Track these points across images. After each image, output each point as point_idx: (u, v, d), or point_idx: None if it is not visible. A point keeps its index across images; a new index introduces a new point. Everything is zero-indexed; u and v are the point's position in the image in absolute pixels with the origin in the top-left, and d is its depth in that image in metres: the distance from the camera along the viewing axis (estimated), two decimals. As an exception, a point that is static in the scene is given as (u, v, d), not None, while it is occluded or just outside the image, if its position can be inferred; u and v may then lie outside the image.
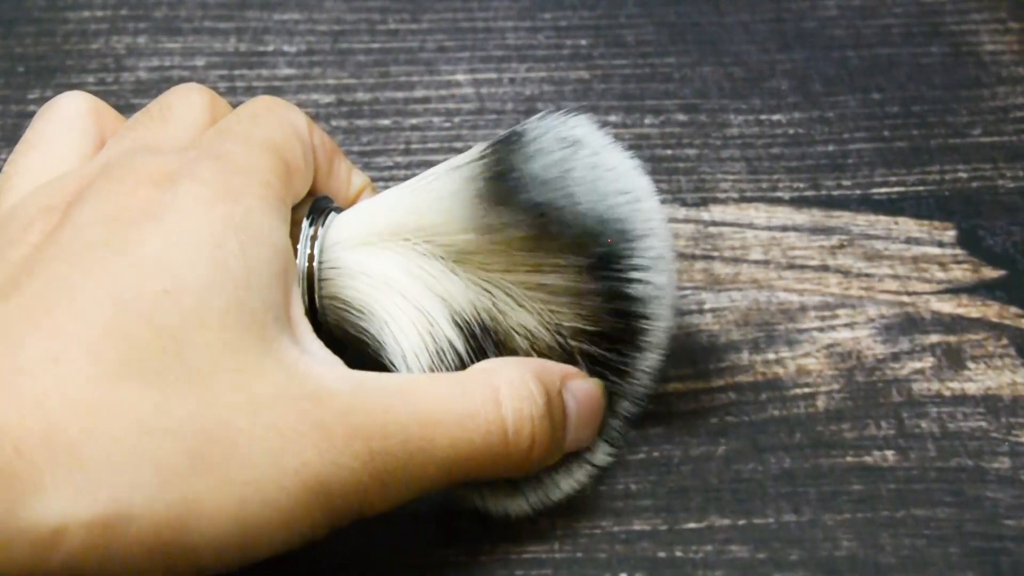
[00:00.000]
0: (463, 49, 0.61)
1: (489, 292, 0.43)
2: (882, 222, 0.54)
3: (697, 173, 0.56)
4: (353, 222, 0.44)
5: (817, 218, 0.54)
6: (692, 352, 0.49)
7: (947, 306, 0.51)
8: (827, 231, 0.53)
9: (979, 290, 0.51)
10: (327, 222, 0.44)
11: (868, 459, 0.46)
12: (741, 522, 0.44)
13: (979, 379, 0.48)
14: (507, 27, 0.62)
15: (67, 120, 0.45)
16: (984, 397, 0.48)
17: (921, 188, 0.55)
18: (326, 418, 0.38)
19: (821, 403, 0.48)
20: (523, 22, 0.62)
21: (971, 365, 0.49)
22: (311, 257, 0.43)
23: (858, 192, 0.55)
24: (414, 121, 0.58)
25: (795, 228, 0.54)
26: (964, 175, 0.56)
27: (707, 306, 0.51)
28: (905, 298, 0.51)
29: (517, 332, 0.43)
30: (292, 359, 0.39)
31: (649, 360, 0.44)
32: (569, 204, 0.42)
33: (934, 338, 0.50)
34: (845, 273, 0.52)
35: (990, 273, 0.52)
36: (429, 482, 0.40)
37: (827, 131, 0.58)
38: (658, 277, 0.43)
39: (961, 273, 0.52)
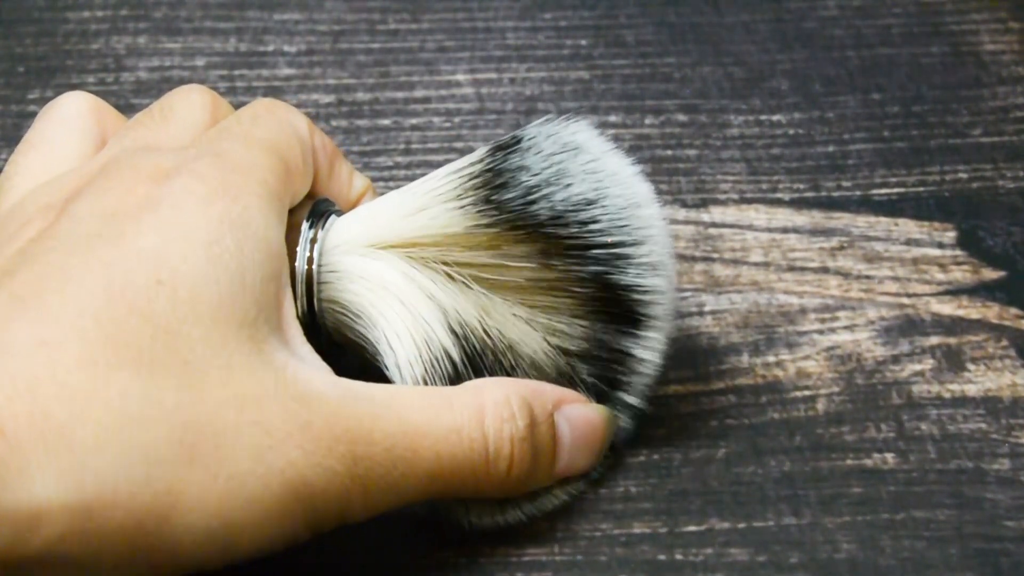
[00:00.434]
0: (463, 49, 0.61)
1: (486, 302, 0.43)
2: (882, 223, 0.54)
3: (697, 174, 0.56)
4: (353, 226, 0.44)
5: (817, 220, 0.54)
6: (692, 354, 0.49)
7: (947, 308, 0.51)
8: (827, 233, 0.53)
9: (979, 291, 0.51)
10: (327, 225, 0.44)
11: (868, 461, 0.46)
12: (741, 525, 0.44)
13: (979, 381, 0.48)
14: (507, 27, 0.62)
15: (68, 120, 0.45)
16: (984, 399, 0.48)
17: (921, 189, 0.55)
18: (313, 420, 0.38)
19: (821, 406, 0.48)
20: (523, 22, 0.62)
21: (971, 367, 0.49)
22: (310, 260, 0.43)
23: (858, 193, 0.55)
24: (414, 121, 0.58)
25: (795, 230, 0.54)
26: (964, 176, 0.56)
27: (707, 308, 0.51)
28: (905, 300, 0.51)
29: (512, 345, 0.43)
30: (281, 361, 0.39)
31: (647, 368, 0.44)
32: (568, 211, 0.42)
33: (934, 340, 0.50)
34: (845, 275, 0.52)
35: (990, 274, 0.52)
36: (411, 492, 0.40)
37: (827, 131, 0.58)
38: (658, 282, 0.43)
39: (961, 274, 0.52)
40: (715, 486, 0.45)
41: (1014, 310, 0.51)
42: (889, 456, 0.46)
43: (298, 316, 0.43)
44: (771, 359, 0.49)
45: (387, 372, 0.43)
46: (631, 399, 0.44)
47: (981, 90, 0.59)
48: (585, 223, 0.42)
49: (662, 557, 0.43)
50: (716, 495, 0.45)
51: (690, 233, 0.53)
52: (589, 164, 0.43)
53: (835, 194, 0.55)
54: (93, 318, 0.37)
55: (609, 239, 0.42)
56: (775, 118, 0.58)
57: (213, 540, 0.37)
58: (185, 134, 0.44)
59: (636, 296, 0.43)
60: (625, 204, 0.43)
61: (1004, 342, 0.50)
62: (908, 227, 0.54)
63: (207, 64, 0.60)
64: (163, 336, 0.37)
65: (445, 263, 0.43)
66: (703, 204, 0.55)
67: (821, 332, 0.50)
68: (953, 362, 0.49)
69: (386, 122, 0.58)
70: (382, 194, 0.46)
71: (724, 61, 0.61)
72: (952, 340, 0.50)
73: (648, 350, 0.43)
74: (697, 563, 0.43)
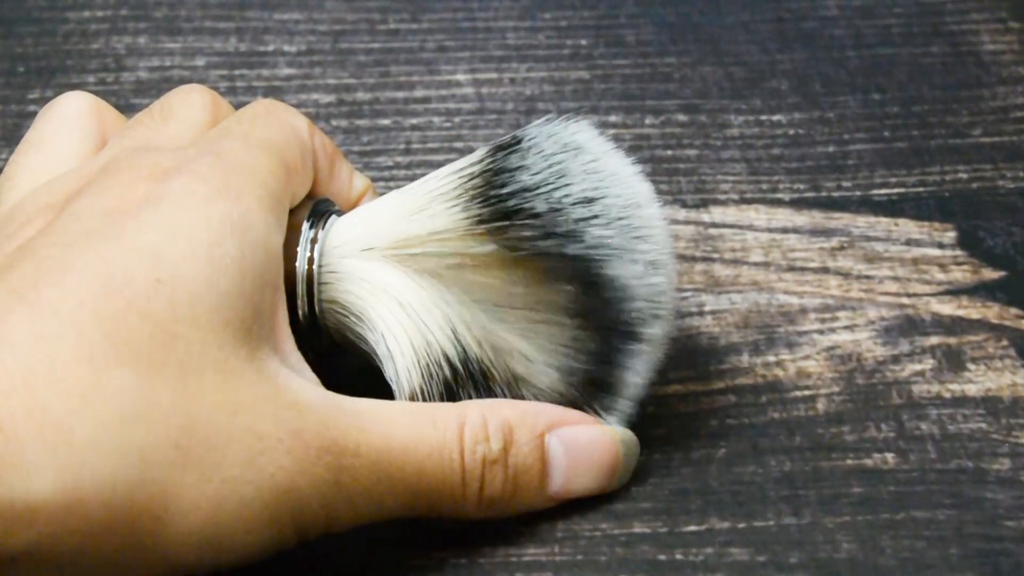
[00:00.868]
0: (463, 49, 0.61)
1: (482, 315, 0.43)
2: (882, 223, 0.54)
3: (697, 174, 0.56)
4: (353, 226, 0.44)
5: (817, 220, 0.54)
6: (692, 354, 0.49)
7: (947, 308, 0.51)
8: (827, 233, 0.53)
9: (979, 291, 0.52)
10: (327, 225, 0.44)
11: (868, 461, 0.46)
12: (741, 525, 0.44)
13: (979, 380, 0.48)
14: (507, 27, 0.62)
15: (68, 120, 0.45)
16: (984, 398, 0.48)
17: (921, 189, 0.55)
18: (303, 428, 0.39)
19: (821, 405, 0.48)
20: (523, 22, 0.62)
21: (971, 367, 0.49)
22: (311, 260, 0.43)
23: (858, 193, 0.55)
24: (414, 121, 0.58)
25: (795, 230, 0.54)
26: (964, 176, 0.56)
27: (707, 308, 0.51)
28: (905, 300, 0.51)
29: (504, 358, 0.43)
30: (273, 369, 0.39)
31: (645, 367, 0.44)
32: (567, 209, 0.42)
33: (934, 340, 0.50)
34: (845, 275, 0.52)
35: (990, 274, 0.52)
36: (394, 507, 0.40)
37: (827, 132, 0.58)
38: (658, 280, 0.43)
39: (961, 274, 0.52)
40: (715, 486, 0.45)
41: (1014, 310, 0.51)
42: (889, 456, 0.46)
43: (299, 316, 0.43)
44: (771, 359, 0.49)
45: (385, 374, 0.43)
46: (623, 402, 0.44)
47: (981, 90, 0.59)
48: (584, 219, 0.42)
49: (662, 557, 0.43)
50: (716, 495, 0.45)
51: (690, 233, 0.53)
52: (590, 164, 0.43)
53: (835, 194, 0.55)
54: (91, 314, 0.37)
55: (609, 237, 0.42)
56: (775, 118, 0.58)
57: (204, 544, 0.37)
58: (185, 134, 0.44)
59: (636, 294, 0.43)
60: (625, 203, 0.43)
61: (1004, 342, 0.50)
62: (908, 227, 0.54)
63: (207, 64, 0.60)
64: (160, 336, 0.37)
65: (442, 270, 0.42)
66: (703, 204, 0.55)
67: (821, 332, 0.50)
68: (953, 362, 0.49)
69: (386, 122, 0.58)
70: (382, 194, 0.46)
71: (724, 61, 0.61)
72: (952, 340, 0.50)
73: (646, 352, 0.43)
74: (697, 563, 0.43)
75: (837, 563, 0.43)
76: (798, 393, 0.48)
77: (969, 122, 0.58)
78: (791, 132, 0.58)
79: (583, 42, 0.62)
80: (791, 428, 0.47)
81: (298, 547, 0.40)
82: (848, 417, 0.47)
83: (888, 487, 0.45)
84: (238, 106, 0.57)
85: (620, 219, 0.42)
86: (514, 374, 0.43)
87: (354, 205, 0.47)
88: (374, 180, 0.55)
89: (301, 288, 0.43)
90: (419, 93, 0.59)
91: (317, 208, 0.44)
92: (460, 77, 0.60)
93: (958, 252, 0.53)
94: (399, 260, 0.43)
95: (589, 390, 0.43)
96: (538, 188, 0.42)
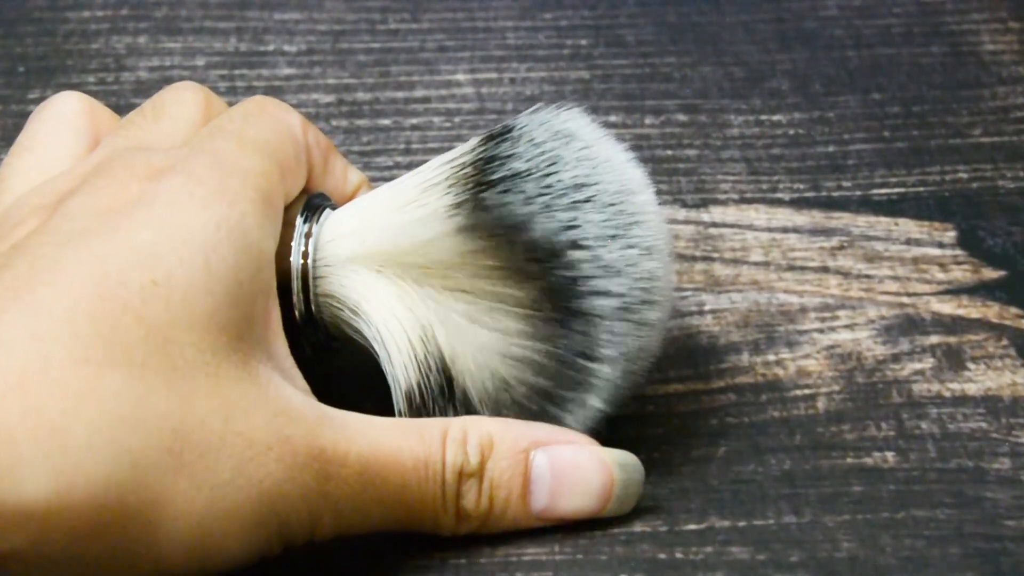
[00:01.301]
0: (463, 49, 0.61)
1: (466, 302, 0.42)
2: (882, 223, 0.54)
3: (697, 174, 0.56)
4: (348, 219, 0.44)
5: (817, 219, 0.54)
6: (692, 353, 0.49)
7: (947, 307, 0.51)
8: (827, 232, 0.53)
9: (979, 291, 0.52)
10: (321, 219, 0.44)
11: (868, 460, 0.46)
12: (741, 523, 0.44)
13: (979, 380, 0.48)
14: (507, 27, 0.62)
15: (61, 121, 0.45)
16: (984, 398, 0.48)
17: (921, 189, 0.55)
18: (293, 436, 0.38)
19: (821, 404, 0.48)
20: (523, 22, 0.62)
21: (971, 366, 0.49)
22: (305, 255, 0.43)
23: (858, 193, 0.55)
24: (414, 121, 0.58)
25: (795, 229, 0.54)
26: (964, 176, 0.56)
27: (707, 307, 0.51)
28: (905, 299, 0.51)
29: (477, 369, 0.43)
30: (265, 376, 0.39)
31: (638, 358, 0.43)
32: (559, 194, 0.42)
33: (934, 339, 0.50)
34: (845, 274, 0.52)
35: (990, 274, 0.52)
36: (380, 518, 0.40)
37: (827, 131, 0.58)
38: (652, 264, 0.42)
39: (961, 274, 0.52)
40: (715, 484, 0.45)
41: (1014, 309, 0.51)
42: (889, 455, 0.46)
43: (295, 311, 0.43)
44: (771, 358, 0.49)
45: (383, 368, 0.43)
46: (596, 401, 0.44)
47: (981, 90, 0.59)
48: (577, 204, 0.42)
49: (662, 555, 0.43)
50: (716, 493, 0.45)
51: (690, 233, 0.53)
52: (582, 151, 0.43)
53: (835, 194, 0.55)
54: (86, 314, 0.36)
55: (602, 221, 0.42)
56: (775, 118, 0.58)
57: (194, 549, 0.37)
58: (178, 133, 0.44)
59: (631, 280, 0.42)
60: (618, 190, 0.42)
61: (1004, 341, 0.50)
62: (908, 227, 0.54)
63: (207, 64, 0.60)
64: (155, 338, 0.37)
65: (431, 261, 0.42)
66: (703, 204, 0.55)
67: (821, 331, 0.50)
68: (953, 361, 0.49)
69: (386, 122, 0.58)
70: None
71: (724, 61, 0.61)
72: (952, 339, 0.50)
73: (644, 336, 0.43)
74: (697, 561, 0.43)
75: (837, 562, 0.43)
76: (798, 392, 0.48)
77: (969, 122, 0.58)
78: (791, 132, 0.58)
79: (583, 42, 0.62)
80: (791, 427, 0.47)
81: (300, 549, 0.40)
82: (848, 416, 0.47)
83: (888, 486, 0.45)
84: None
85: (612, 205, 0.42)
86: (497, 369, 0.43)
87: (349, 199, 0.47)
88: (374, 180, 0.55)
89: (296, 283, 0.43)
90: (419, 93, 0.59)
91: (311, 202, 0.44)
92: (460, 77, 0.60)
93: (958, 252, 0.53)
94: (393, 256, 0.43)
95: (576, 377, 0.43)
96: (529, 173, 0.42)
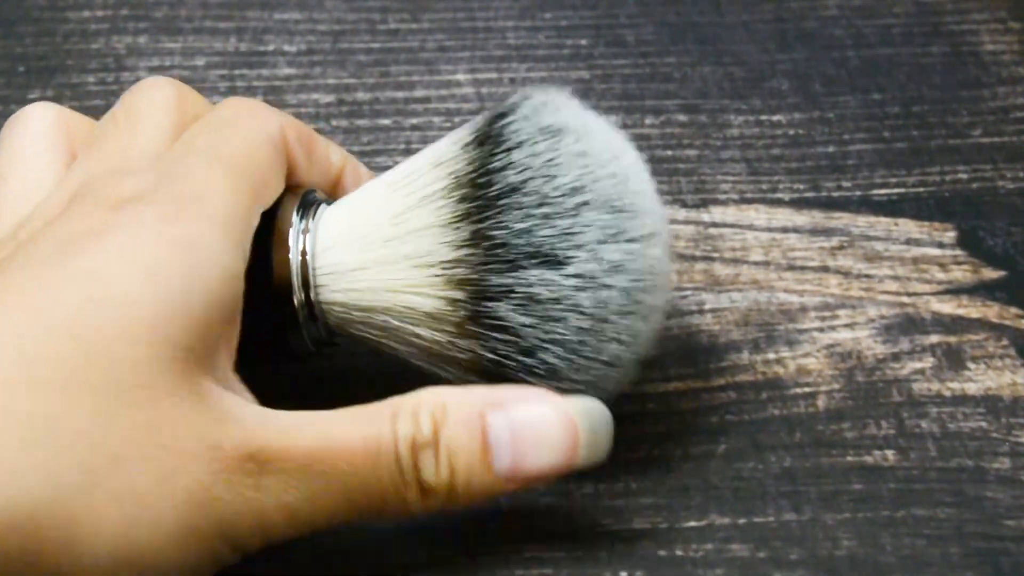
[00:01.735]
0: (463, 49, 0.61)
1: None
2: (882, 223, 0.54)
3: (697, 174, 0.56)
4: (342, 219, 0.44)
5: (817, 219, 0.54)
6: (692, 352, 0.49)
7: (947, 307, 0.51)
8: (827, 232, 0.53)
9: (979, 291, 0.52)
10: (317, 215, 0.44)
11: (868, 459, 0.46)
12: (741, 521, 0.44)
13: (979, 379, 0.48)
14: (507, 27, 0.62)
15: (35, 140, 0.44)
16: (984, 397, 0.48)
17: (921, 189, 0.55)
18: (224, 441, 0.38)
19: (821, 403, 0.48)
20: (523, 22, 0.62)
21: (971, 365, 0.49)
22: (304, 252, 0.43)
23: (858, 193, 0.55)
24: (414, 121, 0.58)
25: (795, 229, 0.54)
26: (964, 176, 0.56)
27: (707, 307, 0.51)
28: (905, 299, 0.51)
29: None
30: (206, 388, 0.39)
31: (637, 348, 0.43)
32: (556, 200, 0.42)
33: (934, 338, 0.50)
34: (845, 274, 0.52)
35: (990, 274, 0.52)
36: (334, 508, 0.40)
37: (827, 132, 0.58)
38: (654, 251, 0.42)
39: (961, 274, 0.52)
40: (715, 482, 0.45)
41: (1014, 309, 0.51)
42: (889, 453, 0.46)
43: (296, 306, 0.43)
44: (771, 356, 0.49)
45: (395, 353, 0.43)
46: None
47: (981, 90, 0.59)
48: (576, 208, 0.42)
49: (662, 553, 0.43)
50: (716, 491, 0.45)
51: (690, 233, 0.53)
52: (575, 146, 0.42)
53: (835, 194, 0.55)
54: (14, 336, 0.37)
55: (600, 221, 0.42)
56: (775, 118, 0.58)
57: (121, 565, 0.37)
58: (150, 145, 0.43)
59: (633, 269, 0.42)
60: (614, 188, 0.42)
61: (1004, 341, 0.50)
62: (908, 227, 0.54)
63: (207, 64, 0.60)
64: (85, 354, 0.37)
65: (429, 264, 0.42)
66: (703, 204, 0.55)
67: (821, 330, 0.50)
68: (953, 361, 0.49)
69: (386, 122, 0.58)
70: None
71: (724, 61, 0.61)
72: (952, 339, 0.50)
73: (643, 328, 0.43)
74: (697, 559, 0.43)
75: (837, 560, 0.43)
76: (798, 390, 0.48)
77: (969, 122, 0.58)
78: (791, 132, 0.58)
79: (583, 42, 0.62)
80: (791, 425, 0.47)
81: (297, 544, 0.40)
82: (848, 414, 0.47)
83: (888, 484, 0.45)
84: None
85: (611, 205, 0.42)
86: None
87: (336, 180, 0.46)
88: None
89: (296, 280, 0.43)
90: (419, 93, 0.59)
91: (306, 199, 0.44)
92: (460, 77, 0.60)
93: (958, 252, 0.53)
94: (389, 258, 0.43)
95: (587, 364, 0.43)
96: (525, 184, 0.42)
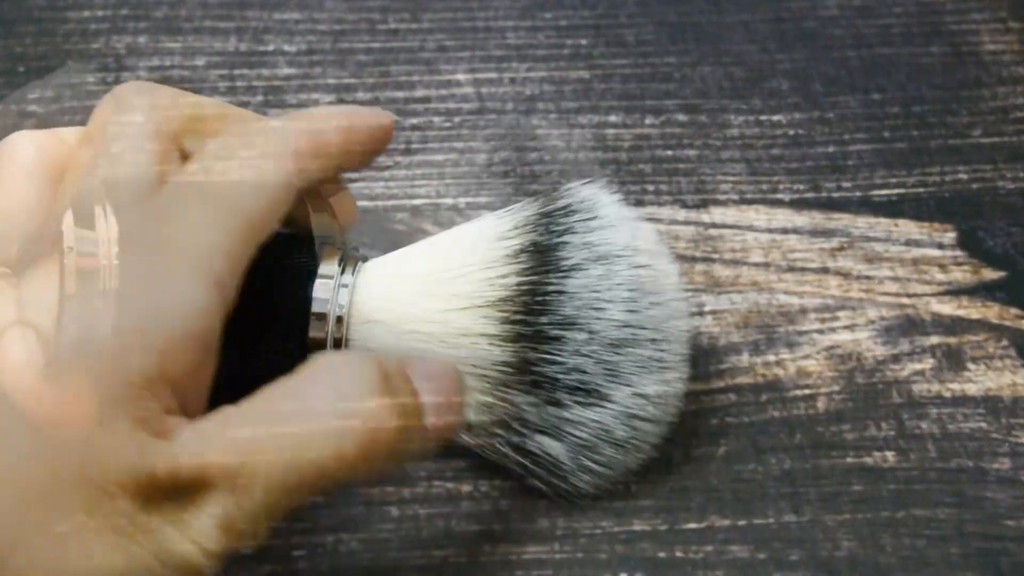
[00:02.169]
0: (463, 49, 0.61)
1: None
2: (882, 224, 0.54)
3: (697, 174, 0.56)
4: (385, 289, 0.44)
5: (817, 220, 0.54)
6: (692, 354, 0.49)
7: (947, 308, 0.51)
8: (827, 233, 0.53)
9: (979, 291, 0.52)
10: (356, 270, 0.44)
11: (868, 460, 0.46)
12: (741, 522, 0.44)
13: (979, 380, 0.48)
14: (507, 26, 0.62)
15: (17, 173, 0.43)
16: (984, 398, 0.48)
17: (921, 190, 0.55)
18: (157, 463, 0.38)
19: (821, 404, 0.48)
20: (523, 21, 0.62)
21: (971, 366, 0.49)
22: (341, 307, 0.43)
23: (858, 194, 0.55)
24: (414, 121, 0.58)
25: (795, 230, 0.54)
26: (964, 176, 0.56)
27: (707, 308, 0.51)
28: (905, 300, 0.51)
29: None
30: (149, 415, 0.39)
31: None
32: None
33: (934, 339, 0.50)
34: (845, 275, 0.52)
35: (990, 274, 0.52)
36: (288, 486, 0.39)
37: (827, 132, 0.58)
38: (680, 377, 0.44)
39: (961, 275, 0.52)
40: (715, 483, 0.45)
41: (1014, 310, 0.51)
42: (889, 454, 0.46)
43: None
44: (771, 358, 0.49)
45: None
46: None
47: (981, 90, 0.59)
48: (621, 344, 0.43)
49: (662, 554, 0.43)
50: (716, 492, 0.45)
51: (690, 233, 0.53)
52: (625, 273, 0.43)
53: (835, 195, 0.55)
54: None
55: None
56: (775, 118, 0.58)
57: None
58: (135, 172, 0.42)
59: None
60: (658, 311, 0.43)
61: (1004, 342, 0.50)
62: (908, 228, 0.54)
63: (207, 64, 0.60)
64: (35, 398, 0.38)
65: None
66: (703, 204, 0.55)
67: (821, 332, 0.50)
68: (953, 361, 0.49)
69: (386, 122, 0.58)
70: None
71: (724, 61, 0.61)
72: (952, 340, 0.50)
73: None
74: (697, 560, 0.43)
75: (837, 561, 0.43)
76: (798, 392, 0.48)
77: (969, 122, 0.58)
78: (791, 132, 0.58)
79: (583, 42, 0.62)
80: (791, 426, 0.47)
81: (297, 548, 0.40)
82: (848, 416, 0.47)
83: (888, 485, 0.45)
84: (239, 105, 0.57)
85: (653, 342, 0.43)
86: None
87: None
88: (374, 180, 0.55)
89: (330, 331, 0.43)
90: (419, 93, 0.59)
91: (346, 253, 0.44)
92: (460, 77, 0.60)
93: (958, 252, 0.53)
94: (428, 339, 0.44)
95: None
96: (576, 319, 0.43)
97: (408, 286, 0.44)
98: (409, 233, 0.52)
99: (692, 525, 0.44)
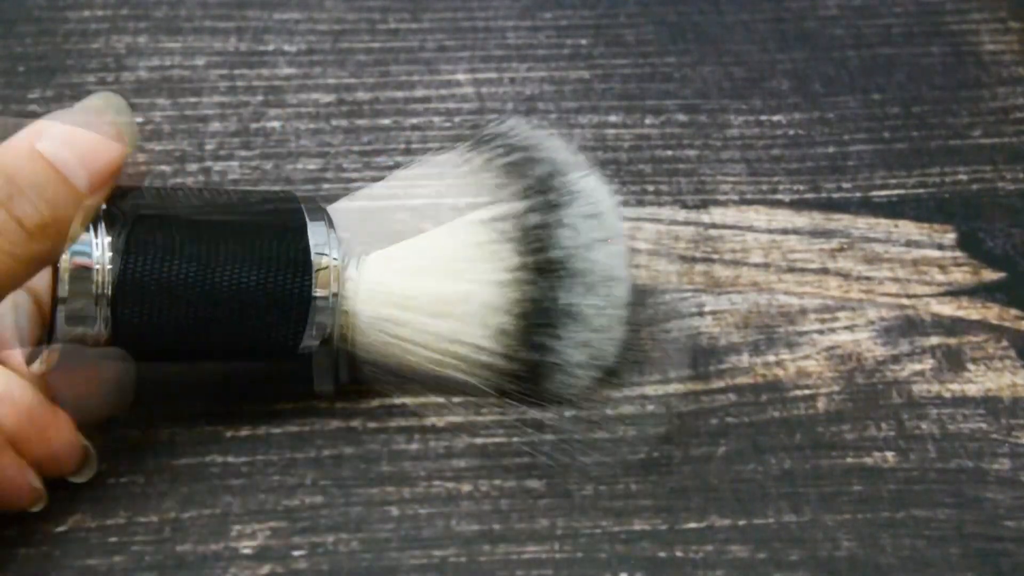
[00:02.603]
0: (463, 49, 0.61)
1: None
2: (882, 225, 0.54)
3: (697, 175, 0.56)
4: (381, 294, 0.46)
5: (817, 221, 0.54)
6: (692, 354, 0.49)
7: (947, 308, 0.51)
8: (827, 234, 0.53)
9: (979, 292, 0.52)
10: (360, 265, 0.46)
11: (868, 460, 0.46)
12: (741, 522, 0.44)
13: (979, 381, 0.48)
14: (507, 26, 0.62)
15: None
16: (984, 399, 0.48)
17: (921, 190, 0.55)
18: None
19: (821, 404, 0.48)
20: (523, 21, 0.62)
21: (971, 367, 0.49)
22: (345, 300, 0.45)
23: (858, 195, 0.55)
24: (414, 121, 0.58)
25: (795, 231, 0.54)
26: (964, 177, 0.56)
27: (707, 308, 0.51)
28: (905, 300, 0.51)
29: None
30: None
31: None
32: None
33: (934, 340, 0.50)
34: (845, 276, 0.52)
35: (990, 275, 0.52)
36: None
37: (827, 132, 0.58)
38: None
39: (961, 275, 0.52)
40: (715, 483, 0.45)
41: (1014, 311, 0.51)
42: (889, 455, 0.46)
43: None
44: (771, 358, 0.49)
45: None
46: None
47: (981, 91, 0.59)
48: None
49: (662, 554, 0.43)
50: (716, 492, 0.45)
51: (690, 234, 0.53)
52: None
53: (835, 195, 0.55)
54: None
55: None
56: (775, 118, 0.58)
57: None
58: None
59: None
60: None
61: (1004, 343, 0.50)
62: (908, 228, 0.54)
63: (207, 63, 0.60)
64: None
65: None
66: (703, 205, 0.55)
67: (821, 332, 0.50)
68: (953, 362, 0.49)
69: (386, 121, 0.58)
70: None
71: (724, 61, 0.61)
72: (952, 340, 0.50)
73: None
74: (697, 560, 0.43)
75: (837, 561, 0.43)
76: (798, 392, 0.48)
77: (969, 123, 0.58)
78: (791, 132, 0.58)
79: (583, 42, 0.62)
80: (791, 427, 0.47)
81: (299, 550, 0.40)
82: (848, 416, 0.47)
83: (888, 486, 0.45)
84: (239, 105, 0.57)
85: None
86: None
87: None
88: (374, 180, 0.55)
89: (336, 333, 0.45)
90: (419, 93, 0.59)
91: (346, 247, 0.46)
92: (460, 77, 0.60)
93: (958, 253, 0.53)
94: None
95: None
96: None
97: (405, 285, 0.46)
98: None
99: (692, 525, 0.44)
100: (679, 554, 0.43)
